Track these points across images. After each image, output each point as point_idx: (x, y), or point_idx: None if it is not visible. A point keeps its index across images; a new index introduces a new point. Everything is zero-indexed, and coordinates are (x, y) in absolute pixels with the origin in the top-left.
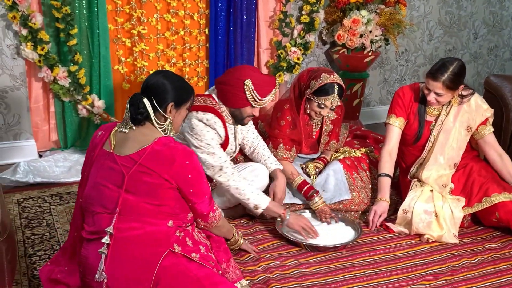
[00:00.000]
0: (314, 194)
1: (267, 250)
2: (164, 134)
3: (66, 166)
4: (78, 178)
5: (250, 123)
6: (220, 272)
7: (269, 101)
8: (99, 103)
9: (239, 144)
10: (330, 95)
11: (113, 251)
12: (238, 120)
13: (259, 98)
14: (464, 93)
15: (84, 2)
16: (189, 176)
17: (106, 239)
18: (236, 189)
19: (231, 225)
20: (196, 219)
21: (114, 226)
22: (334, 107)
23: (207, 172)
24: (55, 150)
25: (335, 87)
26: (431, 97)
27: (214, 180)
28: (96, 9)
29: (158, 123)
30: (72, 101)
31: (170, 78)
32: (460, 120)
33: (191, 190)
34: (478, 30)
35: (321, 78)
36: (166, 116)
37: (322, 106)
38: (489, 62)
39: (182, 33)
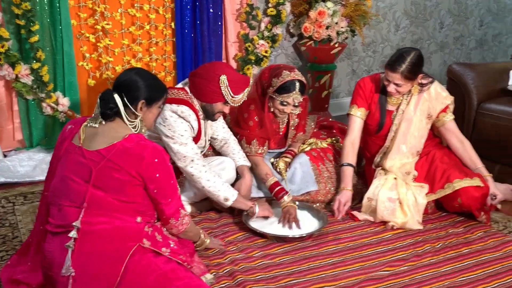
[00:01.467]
0: (285, 196)
1: (233, 242)
2: (135, 131)
3: (31, 165)
4: (43, 177)
5: (220, 118)
6: (189, 266)
7: (241, 100)
8: (64, 101)
9: (209, 140)
10: (292, 92)
11: (80, 245)
12: (209, 115)
13: (232, 95)
14: (423, 81)
15: None
16: (157, 175)
17: (73, 233)
18: (207, 181)
19: (198, 227)
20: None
21: (81, 220)
22: (297, 103)
23: (179, 163)
24: (20, 149)
25: (296, 83)
26: (391, 88)
27: (184, 173)
28: (58, 4)
29: (128, 120)
30: (36, 99)
31: (143, 76)
32: (421, 108)
33: (155, 191)
34: (444, 20)
35: (282, 76)
36: (137, 113)
37: (285, 103)
38: (455, 51)
39: (147, 27)
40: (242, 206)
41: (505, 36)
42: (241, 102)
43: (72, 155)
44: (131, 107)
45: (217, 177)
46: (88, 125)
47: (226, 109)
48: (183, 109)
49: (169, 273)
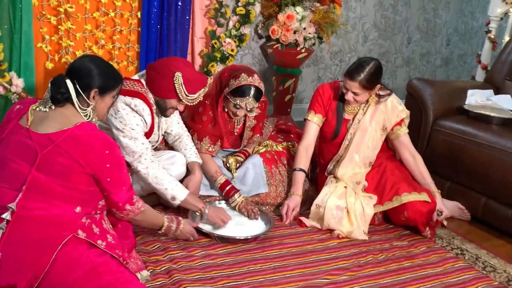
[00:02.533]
0: (235, 195)
1: (176, 240)
2: (86, 120)
3: None
4: None
5: (176, 112)
6: (125, 262)
7: (196, 100)
8: (18, 81)
9: (162, 134)
10: (246, 97)
11: (12, 229)
12: (161, 110)
13: (187, 93)
14: (381, 93)
15: None
16: (107, 165)
17: (6, 215)
18: (154, 178)
19: (162, 214)
20: (111, 208)
21: (18, 203)
22: (250, 109)
23: (127, 158)
24: None
25: (252, 89)
26: (349, 96)
27: (132, 167)
28: None
29: (80, 108)
30: None
31: (97, 63)
32: (376, 119)
33: (108, 179)
34: (412, 36)
35: (239, 79)
36: (89, 102)
37: (238, 106)
38: (420, 67)
39: (112, 14)
40: (191, 207)
41: (470, 56)
42: (196, 102)
43: (17, 136)
44: (83, 95)
45: (166, 175)
46: (37, 108)
47: (180, 107)
48: (137, 103)
49: (100, 267)
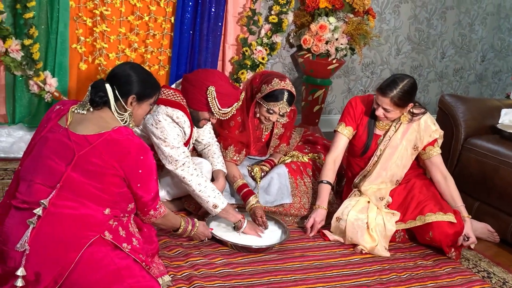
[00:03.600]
0: (251, 197)
1: (198, 246)
2: (123, 124)
3: (9, 142)
4: (19, 155)
5: (208, 123)
6: (148, 267)
7: (229, 113)
8: (52, 81)
9: (193, 143)
10: (279, 101)
11: (42, 225)
12: (194, 121)
13: (219, 107)
14: (415, 111)
15: None
16: (140, 171)
17: (38, 211)
18: (198, 185)
19: (179, 216)
20: (137, 211)
21: (50, 200)
22: (283, 113)
23: (169, 166)
24: (2, 124)
25: (285, 93)
26: (380, 112)
27: (174, 176)
28: None
29: (118, 112)
30: (23, 76)
31: (137, 71)
32: (408, 138)
33: (139, 185)
34: (446, 50)
35: (272, 84)
36: (127, 107)
37: (271, 111)
38: (454, 82)
39: (146, 18)
40: (230, 217)
41: (505, 74)
42: (228, 116)
43: (56, 135)
44: (121, 100)
45: (208, 183)
46: (76, 110)
47: (213, 119)
48: (179, 115)
49: (123, 270)
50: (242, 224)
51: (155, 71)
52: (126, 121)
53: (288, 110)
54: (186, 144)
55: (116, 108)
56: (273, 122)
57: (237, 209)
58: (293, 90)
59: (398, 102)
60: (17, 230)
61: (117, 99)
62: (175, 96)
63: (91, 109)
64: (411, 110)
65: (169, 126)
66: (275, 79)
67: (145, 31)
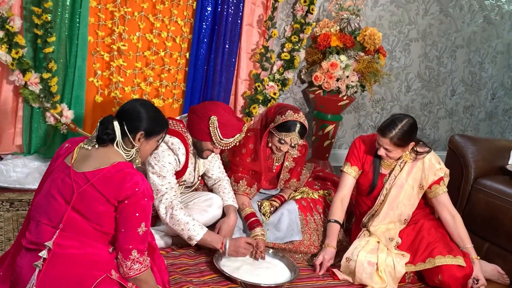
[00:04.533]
0: (257, 228)
1: (208, 283)
2: (128, 160)
3: (24, 173)
4: (33, 186)
5: (218, 157)
6: None
7: (231, 144)
8: (68, 113)
9: (200, 176)
10: (291, 132)
11: (48, 267)
12: (198, 151)
13: (221, 137)
14: (419, 150)
15: (67, 12)
16: (126, 201)
17: (43, 253)
18: (171, 219)
19: (159, 287)
20: (117, 251)
21: (54, 241)
22: (294, 144)
23: None
24: (18, 154)
25: (297, 125)
26: (382, 152)
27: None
28: (78, 20)
29: (124, 149)
30: (41, 108)
31: (147, 108)
32: (413, 177)
33: (117, 216)
34: (456, 88)
35: (285, 115)
36: (134, 143)
37: (283, 141)
38: (464, 120)
39: (162, 54)
40: (209, 246)
41: None
42: (229, 146)
43: (60, 173)
44: (129, 136)
45: (182, 215)
46: (83, 146)
47: (216, 150)
48: (174, 141)
49: None
50: (223, 250)
51: (169, 104)
52: (132, 157)
53: (300, 142)
54: (182, 173)
55: (123, 144)
56: (284, 155)
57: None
58: (305, 123)
59: (398, 142)
60: (26, 271)
61: (125, 135)
62: (175, 125)
63: (96, 146)
64: (415, 148)
65: (163, 153)
66: (289, 111)
67: (160, 65)
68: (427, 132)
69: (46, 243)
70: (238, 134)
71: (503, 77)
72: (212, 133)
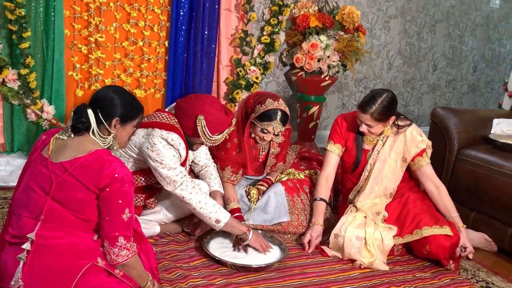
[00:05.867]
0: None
1: (198, 268)
2: (105, 147)
3: (8, 170)
4: None
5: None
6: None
7: (220, 140)
8: (49, 109)
9: (189, 164)
10: (273, 121)
11: (32, 258)
12: (189, 144)
13: (210, 135)
14: (400, 123)
15: (41, 6)
16: (107, 189)
17: (26, 246)
18: (198, 203)
19: (147, 272)
20: (103, 239)
21: (36, 233)
22: (277, 133)
23: (168, 187)
24: (1, 153)
25: (278, 113)
26: (363, 128)
27: (174, 196)
28: (52, 13)
29: (101, 136)
30: (21, 105)
31: (120, 93)
32: (396, 150)
33: (100, 204)
34: (437, 63)
35: (265, 104)
36: (110, 130)
37: (265, 131)
38: (446, 94)
39: (141, 43)
40: (234, 230)
41: (498, 83)
42: (219, 142)
43: (38, 165)
44: (105, 123)
45: (208, 198)
46: (58, 137)
47: (206, 144)
48: (174, 137)
49: None
50: (248, 236)
51: (151, 94)
52: (109, 144)
53: (283, 130)
54: (183, 165)
55: (99, 131)
56: (269, 142)
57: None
58: (286, 110)
59: (379, 117)
60: (11, 265)
61: (101, 122)
62: (169, 119)
63: (72, 135)
64: (396, 122)
65: (164, 148)
66: (268, 99)
67: (139, 55)
68: (411, 108)
69: (28, 235)
70: (227, 129)
71: (484, 49)
72: (200, 132)
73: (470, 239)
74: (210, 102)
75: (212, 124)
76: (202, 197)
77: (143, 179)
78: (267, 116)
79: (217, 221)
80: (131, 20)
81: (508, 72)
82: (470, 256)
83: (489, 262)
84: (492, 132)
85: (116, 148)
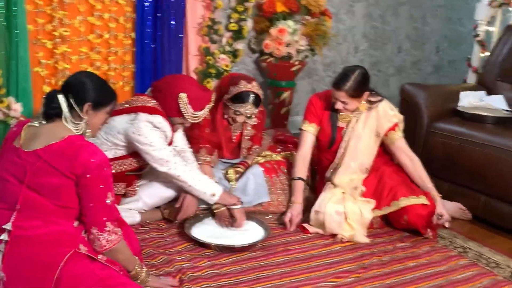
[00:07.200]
0: None
1: (182, 252)
2: (77, 133)
3: None
4: None
5: (180, 129)
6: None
7: (203, 116)
8: (17, 106)
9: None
10: (245, 103)
11: (10, 249)
12: None
13: (193, 112)
14: (372, 99)
15: (1, 1)
16: (88, 175)
17: (4, 236)
18: (192, 180)
19: (135, 257)
20: (91, 226)
21: (13, 223)
22: (249, 115)
23: (162, 168)
24: None
25: (251, 95)
26: (339, 105)
27: (169, 177)
28: (14, 8)
29: (73, 122)
30: None
31: (92, 78)
32: (369, 126)
33: (81, 191)
34: (402, 44)
35: (238, 85)
36: (82, 116)
37: (238, 113)
38: (412, 75)
39: (107, 36)
40: (228, 201)
41: (460, 62)
42: (201, 118)
43: (10, 155)
44: (77, 109)
45: (201, 174)
46: (30, 125)
47: (187, 124)
48: (159, 120)
49: (107, 280)
50: (238, 204)
51: (119, 87)
52: (81, 131)
53: (255, 112)
54: (169, 145)
55: (71, 117)
56: (242, 124)
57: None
58: (259, 92)
59: (353, 93)
60: None
61: (72, 108)
62: (150, 102)
63: (44, 122)
64: (369, 98)
65: (151, 131)
66: (241, 81)
67: (106, 48)
68: (379, 90)
69: (4, 226)
70: (208, 105)
71: (445, 29)
72: (182, 109)
73: (446, 209)
74: (188, 80)
75: (193, 101)
76: (195, 173)
77: (135, 160)
78: (240, 98)
79: (213, 195)
80: (95, 13)
81: (470, 51)
82: (447, 224)
83: (465, 230)
84: (459, 104)
85: (88, 135)
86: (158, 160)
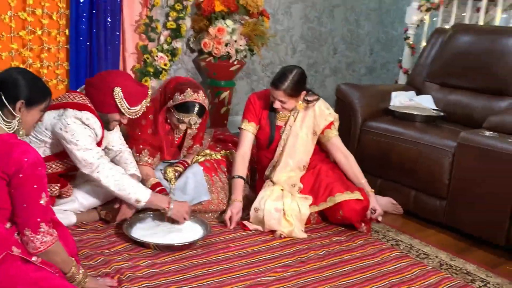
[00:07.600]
0: (163, 195)
1: (120, 252)
2: (9, 132)
3: None
4: None
5: (117, 128)
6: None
7: (139, 112)
8: None
9: (103, 149)
10: (190, 113)
11: None
12: (104, 124)
13: (128, 107)
14: (309, 98)
15: None
16: (20, 175)
17: None
18: (116, 185)
19: (71, 258)
20: (25, 228)
21: None
22: (192, 125)
23: (85, 170)
24: None
25: (196, 106)
26: (277, 105)
27: (92, 180)
28: None
29: (5, 120)
30: None
31: (25, 75)
32: (306, 124)
33: (13, 191)
34: (337, 46)
35: (184, 94)
36: (15, 114)
37: (181, 121)
38: (347, 76)
39: (39, 32)
40: (156, 206)
41: (392, 64)
42: (139, 114)
43: None
44: (8, 107)
45: (127, 179)
46: None
47: (124, 120)
48: (88, 116)
49: (41, 281)
50: (168, 211)
51: (53, 85)
52: (14, 129)
53: (198, 122)
54: (99, 145)
55: (3, 115)
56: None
57: (149, 213)
58: (205, 102)
59: (291, 92)
60: None
61: (4, 105)
62: (81, 98)
63: None
64: (306, 98)
65: (79, 128)
66: (188, 89)
67: (39, 45)
68: (315, 91)
69: None
70: (145, 100)
71: (378, 32)
72: (119, 104)
73: (379, 204)
74: (123, 75)
75: (129, 96)
76: (119, 178)
77: (59, 163)
78: (185, 107)
79: (137, 201)
80: (27, 8)
81: (401, 53)
82: (380, 218)
83: (397, 224)
84: (391, 104)
85: (21, 133)
86: (81, 161)
